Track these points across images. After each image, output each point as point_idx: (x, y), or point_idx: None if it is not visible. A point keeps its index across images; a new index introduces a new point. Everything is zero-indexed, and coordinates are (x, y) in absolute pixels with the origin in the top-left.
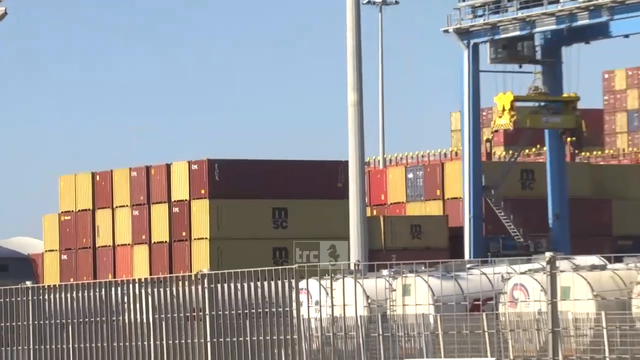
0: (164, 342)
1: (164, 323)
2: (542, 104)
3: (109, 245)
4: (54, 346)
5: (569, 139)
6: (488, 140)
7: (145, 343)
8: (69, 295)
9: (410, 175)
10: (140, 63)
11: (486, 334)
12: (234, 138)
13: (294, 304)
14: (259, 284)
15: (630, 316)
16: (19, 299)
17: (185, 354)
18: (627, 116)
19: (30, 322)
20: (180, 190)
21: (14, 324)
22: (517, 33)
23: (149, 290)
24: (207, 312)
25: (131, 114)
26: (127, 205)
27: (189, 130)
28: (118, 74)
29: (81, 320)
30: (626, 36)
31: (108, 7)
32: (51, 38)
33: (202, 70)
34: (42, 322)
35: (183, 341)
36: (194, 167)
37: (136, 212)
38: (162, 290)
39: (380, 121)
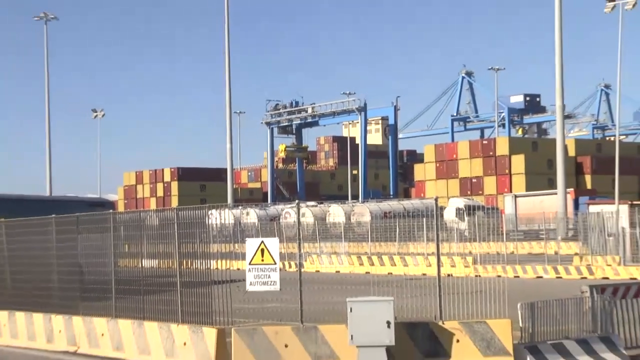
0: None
1: (160, 224)
2: (295, 149)
3: (141, 197)
4: (121, 232)
5: (305, 161)
6: (277, 161)
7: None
8: (126, 215)
9: (250, 174)
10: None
11: (275, 230)
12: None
13: (207, 218)
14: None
15: (326, 223)
16: (108, 216)
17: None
18: (324, 154)
19: (112, 225)
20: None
21: (106, 225)
22: (287, 123)
23: (157, 213)
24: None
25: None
26: (147, 183)
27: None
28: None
29: (129, 224)
30: (324, 125)
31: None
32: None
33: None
34: (116, 224)
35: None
36: (172, 170)
37: (151, 185)
38: (163, 214)
39: (239, 154)
